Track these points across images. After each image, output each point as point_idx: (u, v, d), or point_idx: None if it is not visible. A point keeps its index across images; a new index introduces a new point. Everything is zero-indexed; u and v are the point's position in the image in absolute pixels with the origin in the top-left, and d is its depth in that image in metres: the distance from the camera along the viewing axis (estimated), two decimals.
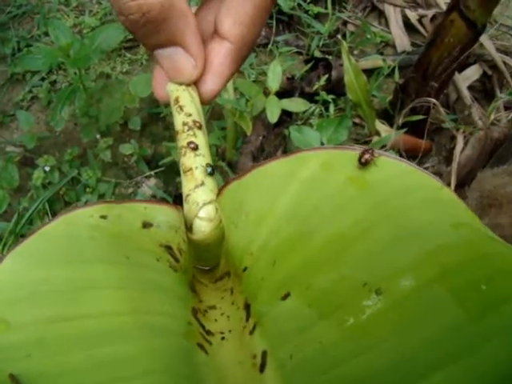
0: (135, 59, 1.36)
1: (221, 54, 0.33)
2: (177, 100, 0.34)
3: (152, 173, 1.13)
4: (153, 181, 1.13)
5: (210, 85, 0.34)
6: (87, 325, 0.28)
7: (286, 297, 0.31)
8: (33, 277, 0.29)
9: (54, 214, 1.02)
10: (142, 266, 0.32)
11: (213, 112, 1.14)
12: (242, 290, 0.34)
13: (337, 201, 0.32)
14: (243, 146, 1.05)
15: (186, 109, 0.34)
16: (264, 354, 0.31)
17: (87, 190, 1.08)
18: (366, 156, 0.31)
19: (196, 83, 0.35)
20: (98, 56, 0.97)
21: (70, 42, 0.95)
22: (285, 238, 0.32)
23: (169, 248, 0.34)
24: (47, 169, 1.06)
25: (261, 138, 1.06)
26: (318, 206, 0.32)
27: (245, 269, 0.34)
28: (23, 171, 1.12)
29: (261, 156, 1.05)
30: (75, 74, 1.12)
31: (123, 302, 0.29)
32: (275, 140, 1.08)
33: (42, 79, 1.31)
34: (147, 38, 0.31)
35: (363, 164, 0.31)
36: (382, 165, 0.32)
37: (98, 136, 1.15)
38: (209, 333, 0.33)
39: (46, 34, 1.38)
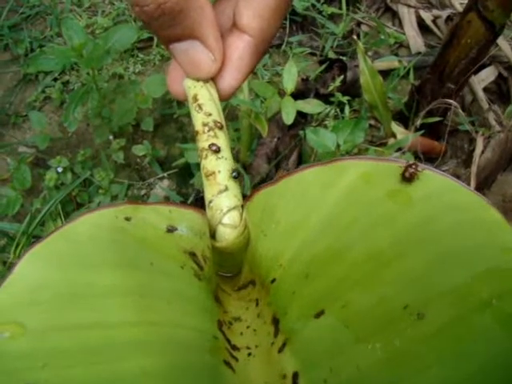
0: (148, 59, 1.35)
1: (240, 48, 0.32)
2: (195, 98, 0.33)
3: (165, 174, 1.12)
4: (166, 182, 1.12)
5: (229, 80, 0.33)
6: (106, 335, 0.26)
7: (319, 314, 0.29)
8: (52, 279, 0.27)
9: (67, 216, 1.02)
10: (165, 273, 0.30)
11: (227, 113, 1.13)
12: (270, 303, 0.32)
13: (377, 215, 0.30)
14: (258, 147, 1.04)
15: (206, 107, 0.32)
16: (295, 375, 0.29)
17: (100, 191, 1.07)
18: (411, 170, 0.29)
19: (214, 79, 0.33)
20: (112, 56, 0.96)
21: (83, 42, 0.94)
22: (319, 251, 0.30)
23: (193, 255, 0.32)
24: (60, 170, 1.05)
25: (275, 139, 1.04)
26: (356, 219, 0.30)
27: (273, 280, 0.32)
28: (35, 172, 1.11)
29: (275, 158, 1.03)
30: (88, 74, 1.11)
31: (146, 312, 0.28)
32: (290, 142, 1.07)
33: (55, 80, 1.30)
34: (163, 30, 0.30)
35: (407, 178, 0.29)
36: (425, 179, 0.30)
37: (110, 137, 1.14)
38: (235, 348, 0.32)
39: (59, 34, 1.37)
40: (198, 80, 0.33)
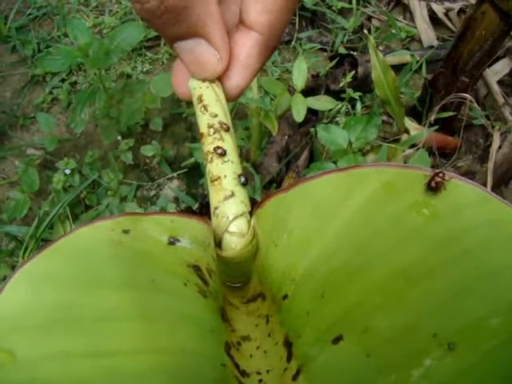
0: (156, 58, 1.34)
1: (247, 46, 0.30)
2: (200, 98, 0.31)
3: (174, 174, 1.11)
4: (175, 183, 1.11)
5: (237, 80, 0.31)
6: (105, 365, 0.24)
7: (337, 340, 0.26)
8: (45, 301, 0.25)
9: (75, 218, 1.01)
10: (168, 292, 0.28)
11: (236, 111, 1.11)
12: (282, 322, 0.30)
13: (401, 229, 0.27)
14: (268, 146, 1.02)
15: (211, 109, 0.31)
16: None
17: (108, 193, 1.06)
18: (438, 179, 0.26)
19: (220, 79, 0.32)
20: (118, 55, 0.94)
21: (88, 42, 0.93)
22: (336, 267, 0.28)
23: (197, 269, 0.30)
24: (68, 172, 1.04)
25: (286, 137, 1.03)
26: (378, 232, 0.27)
27: (285, 296, 0.29)
28: (44, 174, 1.10)
29: (286, 156, 1.01)
30: (95, 74, 1.10)
31: (148, 338, 0.25)
32: (301, 140, 1.05)
33: (63, 80, 1.30)
34: (166, 28, 0.28)
35: (433, 188, 0.27)
36: (453, 189, 0.27)
37: (118, 137, 1.13)
38: (244, 374, 0.29)
39: (66, 35, 1.37)
40: (203, 80, 0.31)
